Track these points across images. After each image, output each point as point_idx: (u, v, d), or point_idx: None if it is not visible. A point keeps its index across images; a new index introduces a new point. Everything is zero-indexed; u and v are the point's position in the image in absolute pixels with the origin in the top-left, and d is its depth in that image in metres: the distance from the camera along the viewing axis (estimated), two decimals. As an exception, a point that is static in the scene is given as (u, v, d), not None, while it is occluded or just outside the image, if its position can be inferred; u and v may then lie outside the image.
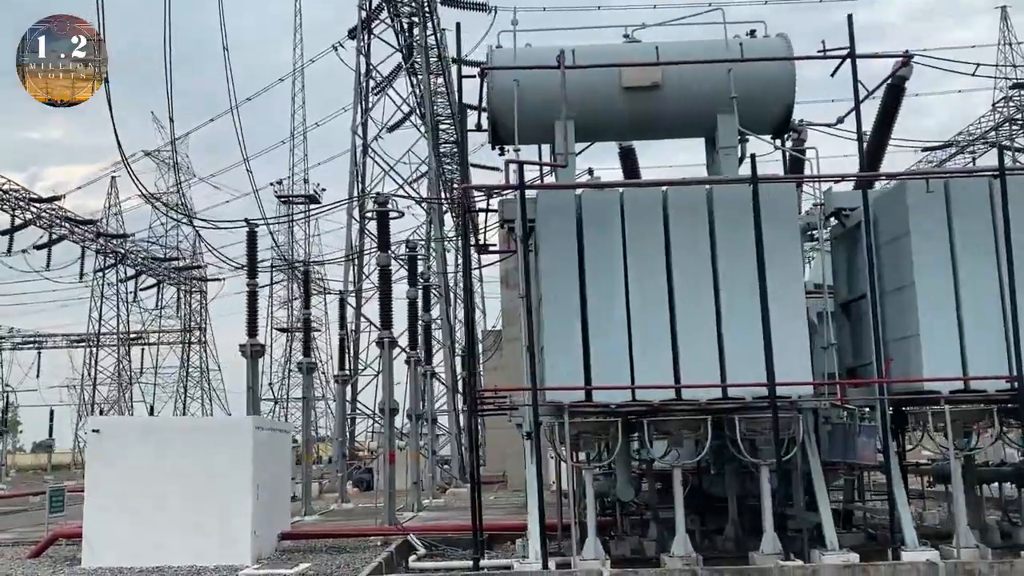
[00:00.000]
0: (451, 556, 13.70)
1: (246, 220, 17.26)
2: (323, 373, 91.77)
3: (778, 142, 13.12)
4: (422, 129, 36.18)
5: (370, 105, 34.95)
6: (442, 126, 45.50)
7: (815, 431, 12.32)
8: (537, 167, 12.94)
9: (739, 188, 11.90)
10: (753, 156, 11.58)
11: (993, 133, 58.01)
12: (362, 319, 32.41)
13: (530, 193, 12.47)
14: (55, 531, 15.21)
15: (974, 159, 57.33)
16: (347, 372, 26.94)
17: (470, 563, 11.71)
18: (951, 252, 11.77)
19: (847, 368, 13.02)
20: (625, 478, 13.04)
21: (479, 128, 14.17)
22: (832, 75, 13.00)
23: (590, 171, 14.65)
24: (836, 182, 12.30)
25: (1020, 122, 56.90)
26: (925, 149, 51.22)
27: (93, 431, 13.68)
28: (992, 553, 11.43)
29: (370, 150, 33.90)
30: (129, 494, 13.45)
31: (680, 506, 11.68)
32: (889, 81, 14.61)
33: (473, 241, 14.78)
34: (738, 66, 12.80)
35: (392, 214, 16.23)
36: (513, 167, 11.60)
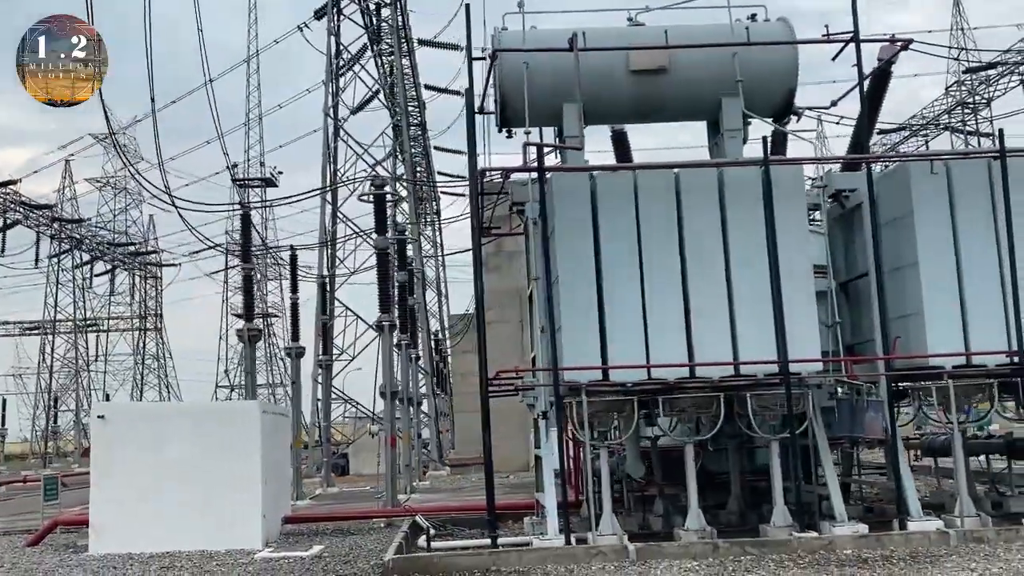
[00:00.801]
0: (459, 535, 13.84)
1: (241, 203, 17.08)
2: (281, 359, 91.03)
3: (789, 126, 13.30)
4: (396, 110, 35.96)
5: (342, 87, 34.66)
6: (410, 107, 45.35)
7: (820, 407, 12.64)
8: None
9: (749, 170, 12.13)
10: (765, 139, 11.80)
11: (946, 117, 59.41)
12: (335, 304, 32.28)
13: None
14: (54, 519, 15.05)
15: (927, 142, 58.68)
16: (330, 356, 26.93)
17: (488, 541, 11.84)
18: (953, 232, 12.13)
19: (846, 346, 13.37)
20: (635, 455, 13.27)
21: (482, 111, 14.24)
22: (834, 59, 13.29)
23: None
24: (842, 163, 12.55)
25: (972, 106, 58.26)
26: (880, 132, 52.30)
27: (98, 417, 13.54)
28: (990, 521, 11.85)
29: (342, 132, 33.63)
30: (136, 480, 13.37)
31: (693, 481, 11.92)
32: (877, 66, 14.94)
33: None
34: (742, 50, 13.00)
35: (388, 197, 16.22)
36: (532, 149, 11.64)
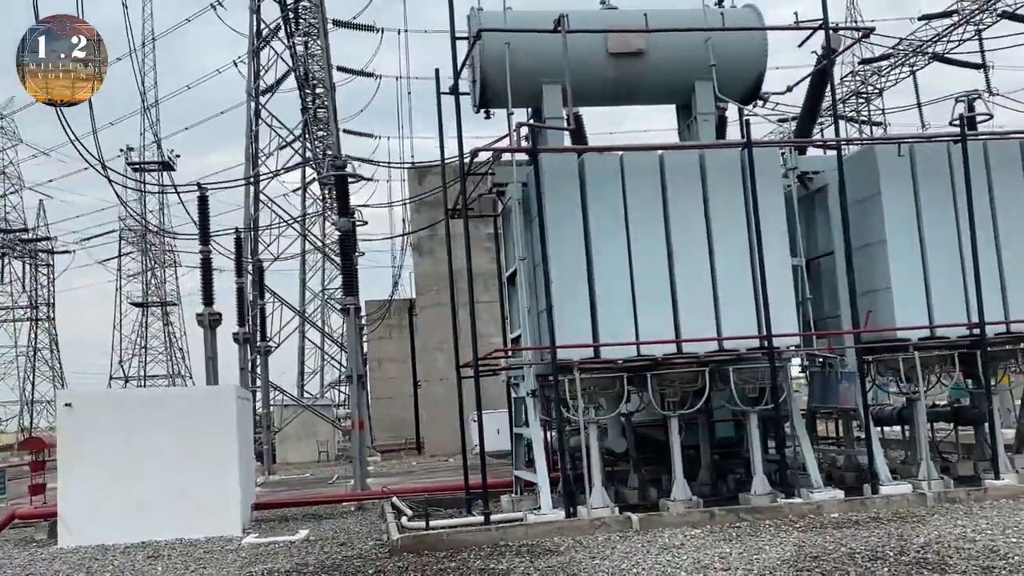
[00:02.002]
0: (436, 515, 13.88)
1: (198, 184, 16.57)
2: (180, 348, 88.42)
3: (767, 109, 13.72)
4: (319, 90, 35.32)
5: (263, 67, 33.85)
6: (318, 90, 44.58)
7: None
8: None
9: (728, 151, 12.52)
10: (747, 121, 12.19)
11: (841, 105, 61.84)
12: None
13: (520, 157, 12.72)
14: (12, 511, 14.43)
15: (822, 130, 61.11)
16: (269, 344, 26.39)
17: (481, 518, 11.95)
18: (916, 211, 12.79)
19: (809, 322, 13.93)
20: (617, 431, 13.55)
21: (453, 92, 14.23)
22: (800, 45, 13.80)
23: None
24: (823, 147, 13.05)
25: (865, 95, 60.89)
26: (779, 121, 54.18)
27: (65, 405, 13.03)
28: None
29: (264, 114, 32.89)
30: (107, 469, 12.96)
31: (678, 454, 12.29)
32: (819, 55, 15.59)
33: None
34: (715, 35, 13.38)
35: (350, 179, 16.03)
36: (524, 130, 11.74)
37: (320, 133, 47.40)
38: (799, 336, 12.38)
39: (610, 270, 12.03)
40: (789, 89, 15.55)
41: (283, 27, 39.04)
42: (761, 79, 13.87)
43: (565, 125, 12.30)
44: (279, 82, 39.63)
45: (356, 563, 9.89)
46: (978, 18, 35.70)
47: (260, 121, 32.79)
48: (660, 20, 13.40)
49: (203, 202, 16.74)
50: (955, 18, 35.39)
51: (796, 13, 13.34)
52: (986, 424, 14.50)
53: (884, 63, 58.61)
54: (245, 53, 36.50)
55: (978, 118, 17.21)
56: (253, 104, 33.04)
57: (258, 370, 23.46)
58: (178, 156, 63.71)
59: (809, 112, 16.50)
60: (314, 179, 45.94)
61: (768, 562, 8.45)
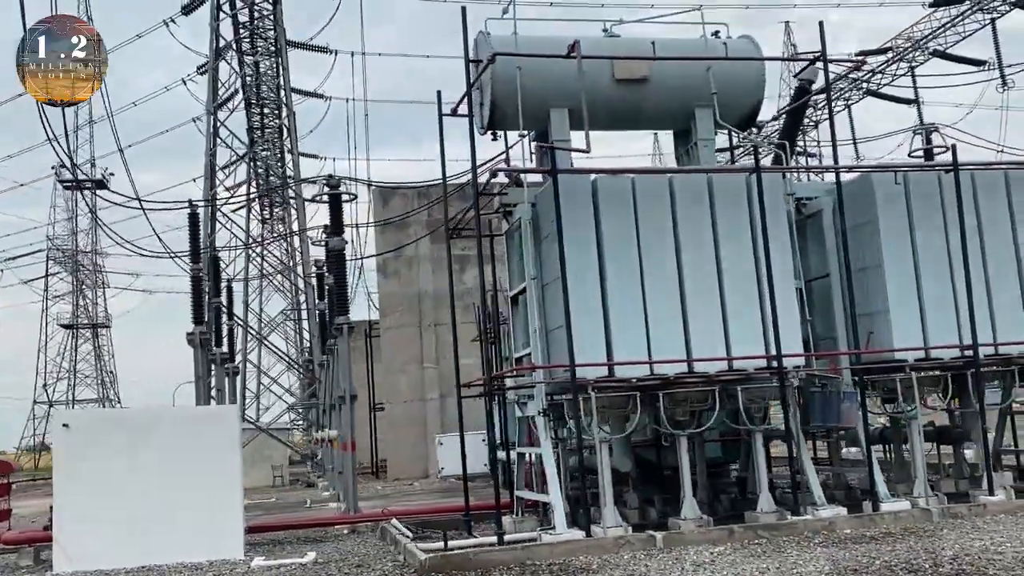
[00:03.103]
0: (434, 538, 13.81)
1: (190, 201, 16.27)
2: (111, 372, 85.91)
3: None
4: (266, 110, 35.03)
5: (222, 84, 33.47)
6: (266, 109, 44.28)
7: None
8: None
9: (735, 176, 12.86)
10: (756, 147, 12.55)
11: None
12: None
13: (533, 178, 12.87)
14: (-2, 537, 13.91)
15: (758, 160, 62.73)
16: (236, 364, 25.91)
17: (495, 539, 11.95)
18: (911, 236, 13.29)
19: (810, 342, 14.30)
20: (622, 451, 13.69)
21: (455, 113, 14.35)
22: (796, 75, 14.25)
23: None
24: (834, 173, 13.45)
25: (802, 128, 62.73)
26: (719, 150, 55.63)
27: (63, 426, 12.65)
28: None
29: (224, 132, 32.51)
30: (105, 492, 12.58)
31: (688, 472, 12.47)
32: (797, 83, 16.14)
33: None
34: (716, 64, 13.76)
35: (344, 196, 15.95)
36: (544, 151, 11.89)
37: (264, 152, 47.04)
38: (808, 356, 12.73)
39: (624, 290, 12.22)
40: (775, 118, 16.05)
41: (236, 45, 38.83)
42: (758, 107, 14.29)
43: (584, 148, 12.47)
44: (227, 100, 39.32)
45: (391, 584, 9.81)
46: (911, 55, 37.29)
47: (219, 139, 32.32)
48: (663, 49, 13.73)
49: (194, 219, 16.47)
50: (889, 55, 36.77)
51: (795, 45, 13.77)
52: (963, 444, 15.21)
53: (821, 96, 60.77)
54: (195, 70, 36.10)
55: (935, 150, 18.03)
56: (212, 120, 32.58)
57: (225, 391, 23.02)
58: (112, 174, 62.44)
59: (789, 137, 17.04)
60: (256, 196, 45.40)
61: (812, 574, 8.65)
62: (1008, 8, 39.27)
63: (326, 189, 15.89)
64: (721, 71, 13.84)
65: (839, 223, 13.38)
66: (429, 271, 30.08)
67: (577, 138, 13.40)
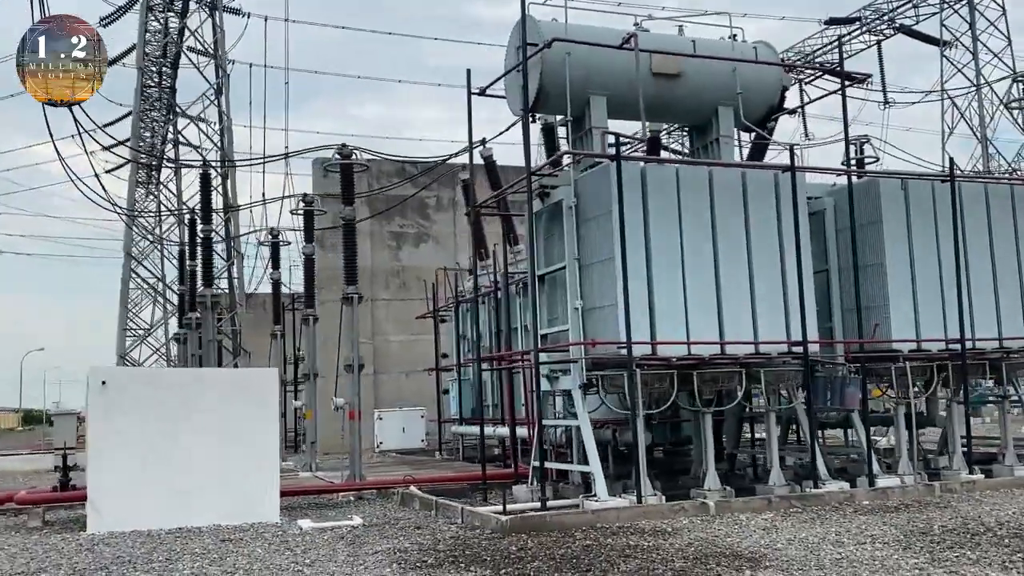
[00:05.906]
0: (478, 502, 14.12)
1: (203, 159, 15.84)
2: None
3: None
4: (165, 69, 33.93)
5: (165, 40, 32.22)
6: (165, 70, 42.79)
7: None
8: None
9: (765, 172, 13.80)
10: (792, 147, 13.49)
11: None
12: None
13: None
14: (8, 493, 13.40)
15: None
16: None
17: (538, 504, 12.51)
18: (908, 238, 14.58)
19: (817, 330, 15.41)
20: (644, 425, 14.43)
21: (483, 92, 14.76)
22: (810, 81, 15.30)
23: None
24: (859, 176, 14.55)
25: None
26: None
27: (101, 383, 12.34)
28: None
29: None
30: (141, 452, 12.42)
31: (711, 447, 13.37)
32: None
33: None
34: (740, 65, 14.67)
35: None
36: (609, 139, 12.48)
37: (154, 114, 45.37)
38: (828, 343, 13.83)
39: (667, 273, 12.94)
40: (791, 113, 17.03)
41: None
42: (775, 108, 15.28)
43: (643, 138, 13.08)
44: (122, 55, 37.84)
45: (483, 542, 10.19)
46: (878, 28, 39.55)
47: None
48: (698, 47, 14.52)
49: (205, 180, 16.06)
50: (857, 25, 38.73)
51: (819, 62, 14.79)
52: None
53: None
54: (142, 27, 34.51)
55: (866, 160, 19.62)
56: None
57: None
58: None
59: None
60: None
61: (889, 537, 9.62)
62: (892, 32, 42.43)
63: (337, 157, 15.89)
64: (745, 72, 14.76)
65: (838, 223, 14.65)
66: (368, 247, 30.00)
67: (614, 126, 14.12)
